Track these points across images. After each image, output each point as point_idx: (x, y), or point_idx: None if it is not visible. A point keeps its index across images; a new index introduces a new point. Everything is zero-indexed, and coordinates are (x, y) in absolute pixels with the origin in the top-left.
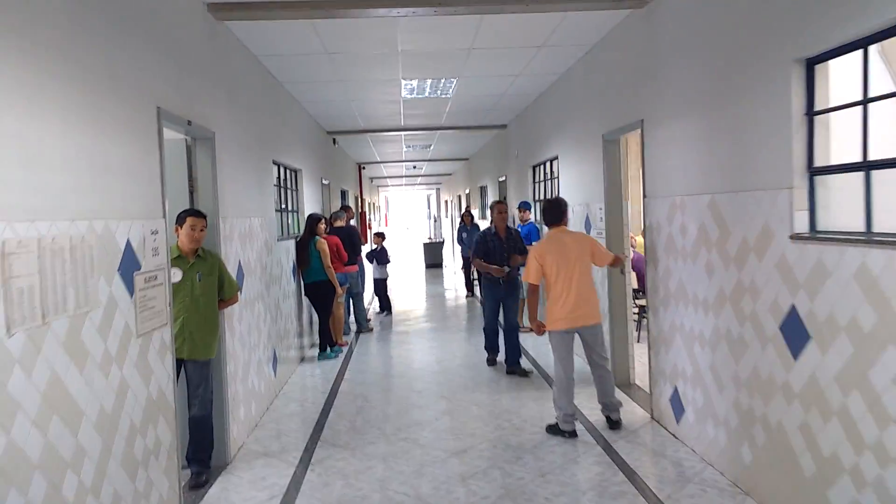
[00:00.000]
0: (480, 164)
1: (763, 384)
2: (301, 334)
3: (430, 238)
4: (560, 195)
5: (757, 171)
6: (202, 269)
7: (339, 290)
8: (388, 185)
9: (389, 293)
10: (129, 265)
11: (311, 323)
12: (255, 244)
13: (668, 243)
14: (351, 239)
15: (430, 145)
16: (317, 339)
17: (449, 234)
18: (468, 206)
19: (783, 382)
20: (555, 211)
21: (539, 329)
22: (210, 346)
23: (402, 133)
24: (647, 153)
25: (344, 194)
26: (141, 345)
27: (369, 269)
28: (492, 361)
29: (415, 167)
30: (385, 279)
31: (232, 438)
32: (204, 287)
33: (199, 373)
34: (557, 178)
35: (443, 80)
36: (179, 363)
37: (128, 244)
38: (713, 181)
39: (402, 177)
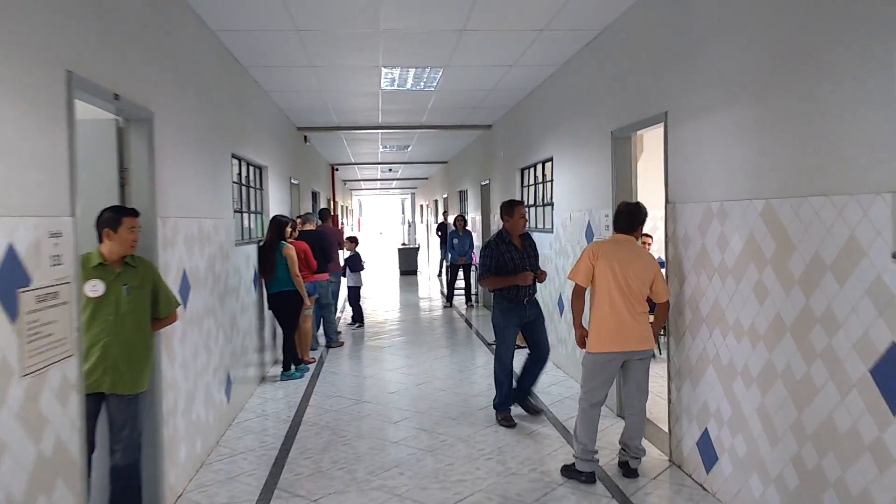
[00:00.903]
0: (461, 167)
1: (841, 440)
2: (262, 350)
3: (403, 243)
4: (566, 199)
5: (838, 170)
6: (131, 280)
7: (306, 301)
8: (361, 189)
9: (363, 303)
10: (8, 280)
11: (274, 337)
12: (206, 250)
13: (701, 258)
14: (322, 244)
15: (409, 146)
16: (281, 356)
17: (424, 239)
18: (462, 211)
19: (873, 441)
20: (631, 218)
21: (582, 338)
22: (139, 376)
23: (380, 132)
24: (671, 151)
25: (315, 196)
26: (28, 387)
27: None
28: (508, 421)
29: (391, 170)
30: (359, 287)
31: (168, 487)
32: (133, 303)
33: (124, 411)
34: (551, 181)
35: (428, 70)
36: (100, 399)
37: (8, 251)
38: (768, 183)
39: (376, 180)
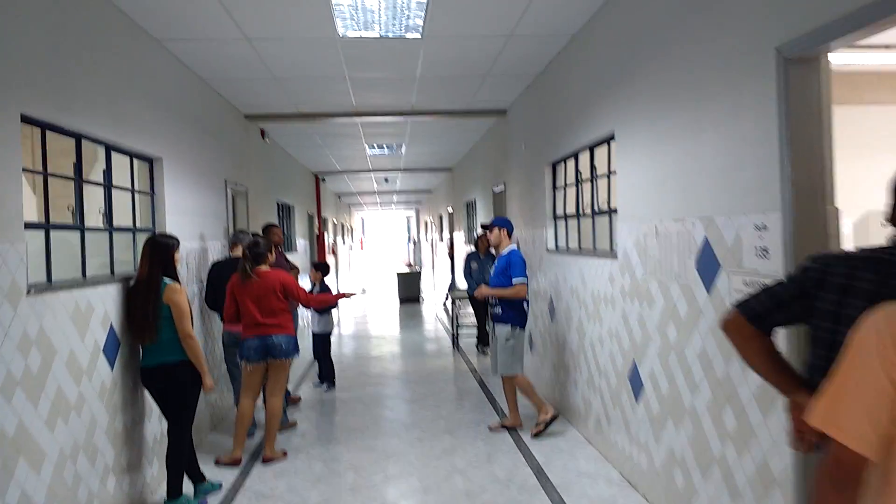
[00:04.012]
0: (467, 173)
1: None
2: (137, 465)
3: (409, 264)
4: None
5: None
6: None
7: (206, 380)
8: (361, 205)
9: (333, 356)
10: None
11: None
12: None
13: None
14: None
15: (402, 145)
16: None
17: (429, 260)
18: (470, 228)
19: None
20: None
21: None
22: None
23: (359, 120)
24: None
25: (286, 210)
26: None
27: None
28: None
29: (386, 180)
30: (327, 335)
31: None
32: None
33: None
34: (611, 174)
35: None
36: None
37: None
38: None
39: (374, 193)
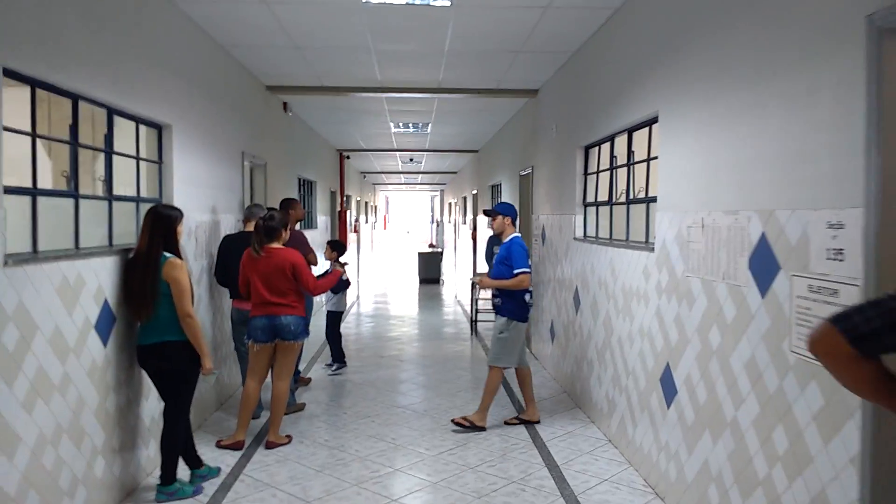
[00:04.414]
0: (494, 155)
1: None
2: (130, 447)
3: (432, 244)
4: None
5: None
6: None
7: (205, 361)
8: (386, 184)
9: (343, 336)
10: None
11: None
12: None
13: None
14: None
15: (428, 124)
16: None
17: (451, 242)
18: (486, 214)
19: None
20: None
21: None
22: None
23: (384, 96)
24: None
25: (310, 186)
26: None
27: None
28: None
29: (412, 160)
30: (339, 313)
31: None
32: None
33: None
34: (650, 159)
35: None
36: None
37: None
38: None
39: (399, 172)
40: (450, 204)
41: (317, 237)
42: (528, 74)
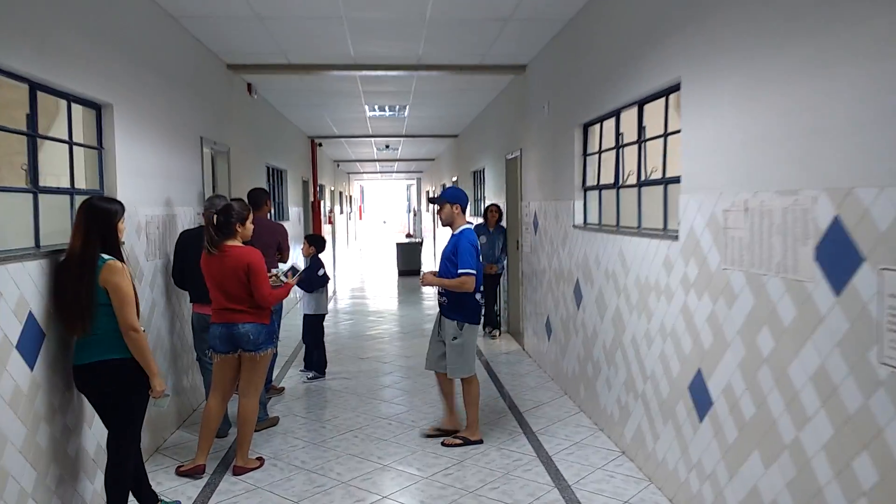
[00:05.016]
0: (476, 139)
1: None
2: (72, 482)
3: (409, 234)
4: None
5: None
6: None
7: (155, 382)
8: (361, 174)
9: (326, 341)
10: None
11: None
12: None
13: None
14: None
15: (405, 107)
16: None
17: (431, 231)
18: (480, 199)
19: None
20: None
21: None
22: None
23: (357, 75)
24: None
25: (277, 174)
26: None
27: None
28: None
29: (388, 146)
30: (321, 316)
31: None
32: None
33: None
34: (668, 134)
35: None
36: None
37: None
38: None
39: (374, 160)
40: (427, 192)
41: (290, 230)
42: (517, 48)
